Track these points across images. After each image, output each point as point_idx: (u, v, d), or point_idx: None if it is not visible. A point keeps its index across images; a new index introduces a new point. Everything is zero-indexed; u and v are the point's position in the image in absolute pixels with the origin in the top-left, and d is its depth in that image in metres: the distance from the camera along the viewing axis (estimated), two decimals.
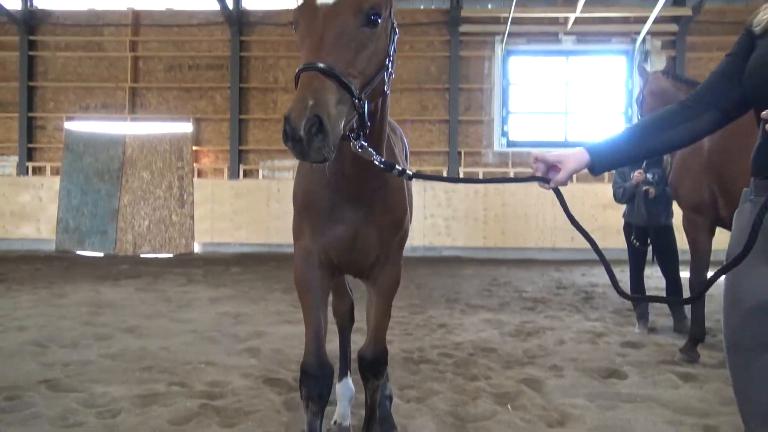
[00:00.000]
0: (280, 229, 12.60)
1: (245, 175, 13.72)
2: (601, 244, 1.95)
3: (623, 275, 6.47)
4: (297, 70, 1.86)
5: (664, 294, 6.11)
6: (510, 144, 13.66)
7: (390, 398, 3.33)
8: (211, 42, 14.00)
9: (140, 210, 13.02)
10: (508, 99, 13.76)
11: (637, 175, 5.53)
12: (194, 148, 13.58)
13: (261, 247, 12.78)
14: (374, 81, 2.01)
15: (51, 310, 6.48)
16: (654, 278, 7.60)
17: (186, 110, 13.91)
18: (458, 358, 4.67)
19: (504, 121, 13.67)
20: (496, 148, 13.56)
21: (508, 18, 12.50)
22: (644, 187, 5.52)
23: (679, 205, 4.94)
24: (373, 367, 2.77)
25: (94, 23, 14.15)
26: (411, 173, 2.15)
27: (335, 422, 3.25)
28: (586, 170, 1.89)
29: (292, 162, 12.57)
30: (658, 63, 12.65)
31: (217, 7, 13.16)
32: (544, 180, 1.93)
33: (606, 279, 1.71)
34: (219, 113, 13.88)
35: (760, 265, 1.59)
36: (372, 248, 2.54)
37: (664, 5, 12.04)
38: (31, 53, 14.00)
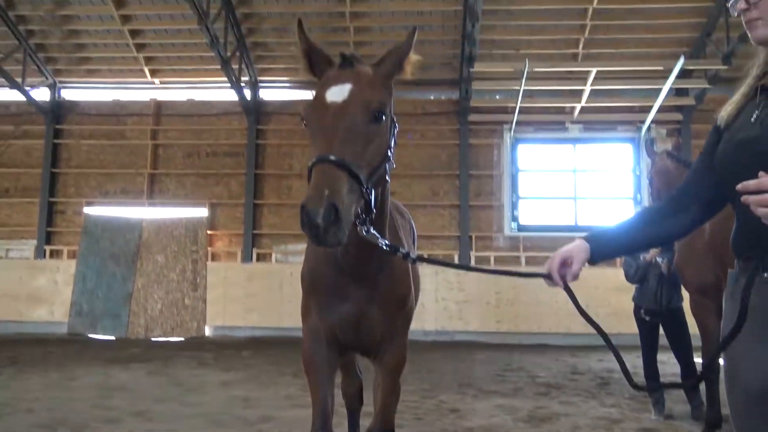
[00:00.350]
0: (292, 313, 12.50)
1: (258, 258, 13.86)
2: (615, 329, 2.02)
3: (638, 360, 6.38)
4: (311, 163, 2.02)
5: (679, 379, 6.01)
6: (520, 228, 13.78)
7: None
8: (228, 130, 14.52)
9: (153, 293, 13.12)
10: (517, 185, 13.99)
11: (652, 252, 5.56)
12: (209, 232, 13.82)
13: (273, 330, 12.72)
14: (379, 170, 2.18)
15: (61, 392, 6.46)
16: (669, 364, 7.46)
17: (202, 195, 14.25)
18: None
19: (514, 206, 13.85)
20: (507, 232, 13.67)
21: (515, 108, 12.92)
22: (660, 260, 5.50)
23: (686, 287, 4.96)
24: None
25: (117, 113, 14.77)
26: (414, 257, 2.26)
27: None
28: None
29: (306, 246, 12.71)
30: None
31: (235, 98, 13.74)
32: (549, 277, 2.00)
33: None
34: (234, 198, 14.20)
35: (755, 344, 1.63)
36: (377, 326, 2.60)
37: (668, 95, 12.43)
38: (56, 141, 14.55)
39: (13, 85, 13.21)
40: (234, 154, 14.41)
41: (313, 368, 2.64)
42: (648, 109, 12.98)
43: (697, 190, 1.92)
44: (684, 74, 12.52)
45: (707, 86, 12.55)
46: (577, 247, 1.96)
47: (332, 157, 1.97)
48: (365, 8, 12.82)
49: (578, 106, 13.31)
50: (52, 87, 14.66)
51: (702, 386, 5.19)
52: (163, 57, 14.31)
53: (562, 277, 1.96)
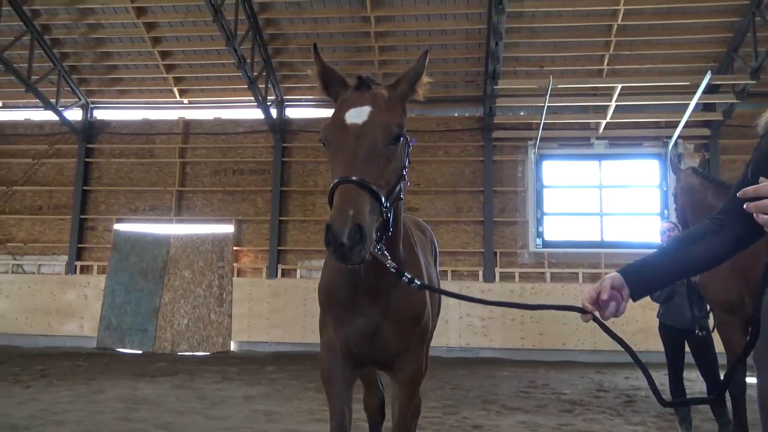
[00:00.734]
0: (315, 329, 12.40)
1: (283, 274, 13.98)
2: (642, 346, 1.94)
3: (664, 378, 6.29)
4: (333, 183, 2.10)
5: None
6: (545, 244, 13.69)
7: None
8: (255, 148, 14.73)
9: (180, 308, 13.32)
10: (542, 201, 13.93)
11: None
12: (235, 248, 13.99)
13: (296, 346, 12.80)
14: (396, 189, 2.24)
15: (89, 405, 6.58)
16: (698, 382, 7.33)
17: (229, 212, 14.45)
18: None
19: (539, 222, 13.78)
20: (532, 248, 13.59)
21: (540, 124, 12.91)
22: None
23: (710, 304, 4.90)
24: None
25: (147, 132, 15.10)
26: (419, 283, 2.29)
27: None
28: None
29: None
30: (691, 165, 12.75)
31: (261, 116, 13.96)
32: (581, 311, 1.87)
33: None
34: (260, 215, 14.37)
35: None
36: (391, 341, 2.63)
37: (694, 110, 12.29)
38: (87, 160, 14.91)
39: (48, 105, 13.62)
40: (260, 172, 14.61)
41: (330, 381, 2.69)
42: (675, 125, 12.86)
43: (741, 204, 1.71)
44: (711, 89, 12.40)
45: (735, 101, 12.41)
46: (609, 279, 1.82)
47: (354, 178, 2.04)
48: (389, 28, 12.97)
49: (603, 122, 13.24)
50: (85, 107, 15.06)
51: (730, 404, 5.09)
52: (192, 77, 14.63)
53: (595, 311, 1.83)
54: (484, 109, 13.70)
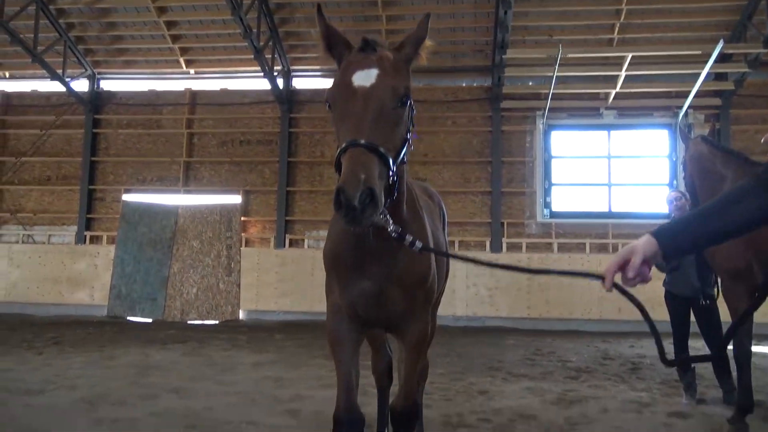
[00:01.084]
0: (323, 298, 12.55)
1: (291, 244, 14.05)
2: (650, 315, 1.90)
3: (670, 347, 6.33)
4: (342, 146, 2.08)
5: (711, 368, 5.94)
6: (553, 215, 13.68)
7: None
8: (262, 119, 14.69)
9: (189, 278, 13.44)
10: (550, 171, 13.87)
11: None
12: (243, 218, 14.05)
13: (304, 315, 12.92)
14: (401, 153, 2.24)
15: (101, 371, 6.69)
16: (704, 351, 7.37)
17: (236, 183, 14.48)
18: (497, 424, 4.64)
19: (546, 192, 13.75)
20: (539, 219, 13.58)
21: (548, 94, 12.80)
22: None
23: (717, 272, 4.88)
24: (403, 420, 2.83)
25: (154, 103, 15.08)
26: (420, 245, 2.30)
27: None
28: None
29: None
30: None
31: (268, 87, 13.89)
32: (597, 278, 1.81)
33: (655, 350, 1.69)
34: (267, 186, 14.39)
35: None
36: (397, 303, 2.65)
37: (705, 80, 12.14)
38: (95, 131, 14.93)
39: (54, 76, 13.58)
40: (267, 142, 14.60)
41: (337, 343, 2.72)
42: (685, 95, 12.71)
43: None
44: (723, 58, 12.22)
45: (747, 70, 12.25)
46: (641, 242, 1.71)
47: (363, 141, 2.05)
48: None
49: (613, 92, 13.11)
50: (91, 78, 15.03)
51: (734, 371, 5.13)
52: (198, 47, 14.54)
53: (618, 280, 1.74)
54: (492, 78, 13.57)
